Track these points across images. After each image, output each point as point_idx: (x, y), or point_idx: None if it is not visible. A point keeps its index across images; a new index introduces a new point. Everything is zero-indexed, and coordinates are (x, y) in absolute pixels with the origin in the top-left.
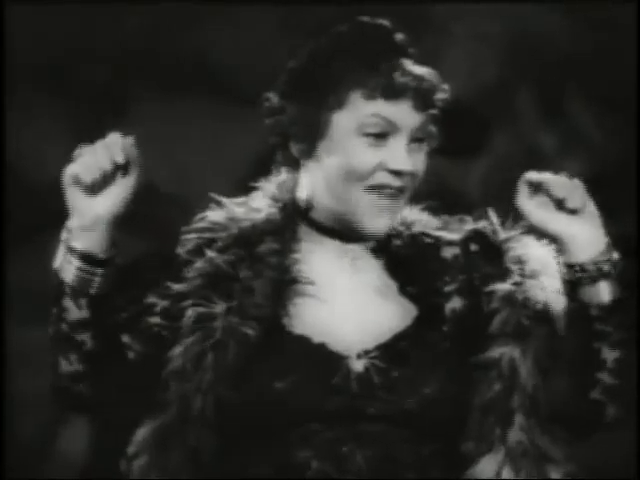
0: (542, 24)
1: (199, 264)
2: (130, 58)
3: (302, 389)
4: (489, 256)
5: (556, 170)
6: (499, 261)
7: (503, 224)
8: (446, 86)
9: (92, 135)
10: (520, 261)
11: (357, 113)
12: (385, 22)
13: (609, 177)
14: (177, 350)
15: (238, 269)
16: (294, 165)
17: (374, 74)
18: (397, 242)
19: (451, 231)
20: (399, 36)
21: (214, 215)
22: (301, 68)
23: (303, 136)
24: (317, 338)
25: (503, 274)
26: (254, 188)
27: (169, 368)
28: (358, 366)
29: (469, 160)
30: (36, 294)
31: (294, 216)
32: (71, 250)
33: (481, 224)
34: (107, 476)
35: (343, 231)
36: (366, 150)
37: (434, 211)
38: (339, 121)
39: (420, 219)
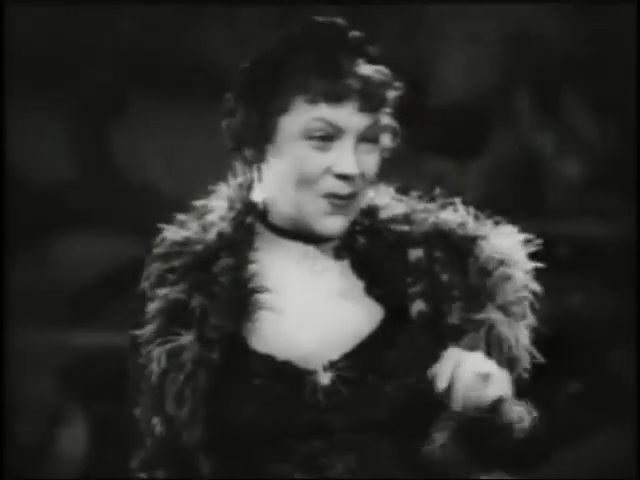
0: (540, 25)
1: (155, 304)
2: (130, 59)
3: (271, 410)
4: (451, 260)
5: (554, 172)
6: (462, 266)
7: (476, 216)
8: (399, 83)
9: (92, 136)
10: (483, 273)
11: (301, 118)
12: (340, 20)
13: (608, 178)
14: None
15: (192, 297)
16: (249, 168)
17: (317, 78)
18: (361, 240)
19: (415, 223)
20: (353, 34)
21: (172, 234)
22: (250, 70)
23: (252, 140)
24: (281, 355)
25: (463, 286)
26: (212, 191)
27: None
28: (325, 380)
29: (467, 161)
30: (37, 295)
31: (251, 221)
32: None
33: (446, 216)
34: (106, 476)
35: (300, 233)
36: (312, 154)
37: (402, 192)
38: (285, 125)
39: (385, 205)
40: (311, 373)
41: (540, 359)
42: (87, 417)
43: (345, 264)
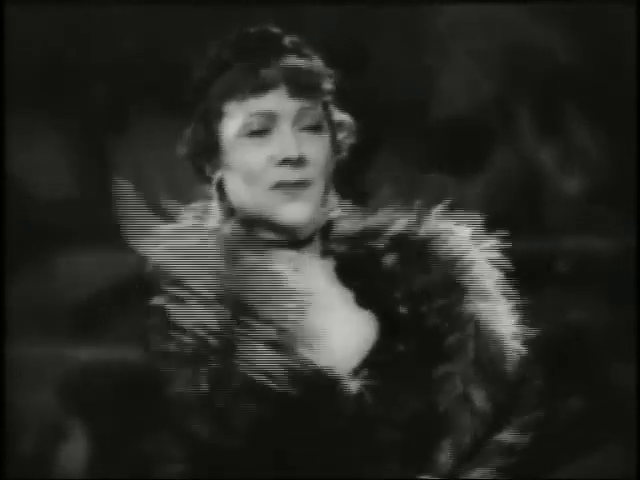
0: (540, 39)
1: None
2: (130, 75)
3: (303, 413)
4: (417, 263)
5: (555, 187)
6: (428, 267)
7: (429, 211)
8: (330, 71)
9: (93, 152)
10: (447, 268)
11: (236, 119)
12: (273, 28)
13: (608, 192)
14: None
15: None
16: (211, 183)
17: (240, 78)
18: (340, 249)
19: (372, 236)
20: (287, 39)
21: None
22: (192, 85)
23: (204, 153)
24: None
25: (436, 284)
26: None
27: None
28: (352, 387)
29: (468, 176)
30: (37, 310)
31: (233, 232)
32: None
33: (401, 223)
34: None
35: (269, 233)
36: (254, 149)
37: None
38: (225, 131)
39: (339, 219)
40: (340, 379)
41: (523, 352)
42: (88, 433)
43: (329, 273)
